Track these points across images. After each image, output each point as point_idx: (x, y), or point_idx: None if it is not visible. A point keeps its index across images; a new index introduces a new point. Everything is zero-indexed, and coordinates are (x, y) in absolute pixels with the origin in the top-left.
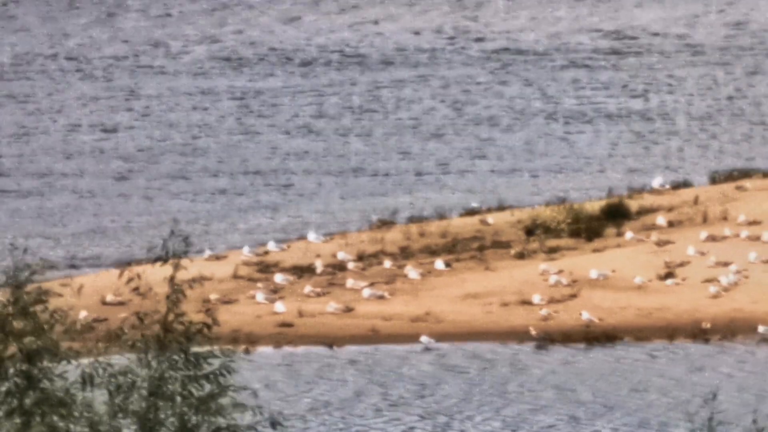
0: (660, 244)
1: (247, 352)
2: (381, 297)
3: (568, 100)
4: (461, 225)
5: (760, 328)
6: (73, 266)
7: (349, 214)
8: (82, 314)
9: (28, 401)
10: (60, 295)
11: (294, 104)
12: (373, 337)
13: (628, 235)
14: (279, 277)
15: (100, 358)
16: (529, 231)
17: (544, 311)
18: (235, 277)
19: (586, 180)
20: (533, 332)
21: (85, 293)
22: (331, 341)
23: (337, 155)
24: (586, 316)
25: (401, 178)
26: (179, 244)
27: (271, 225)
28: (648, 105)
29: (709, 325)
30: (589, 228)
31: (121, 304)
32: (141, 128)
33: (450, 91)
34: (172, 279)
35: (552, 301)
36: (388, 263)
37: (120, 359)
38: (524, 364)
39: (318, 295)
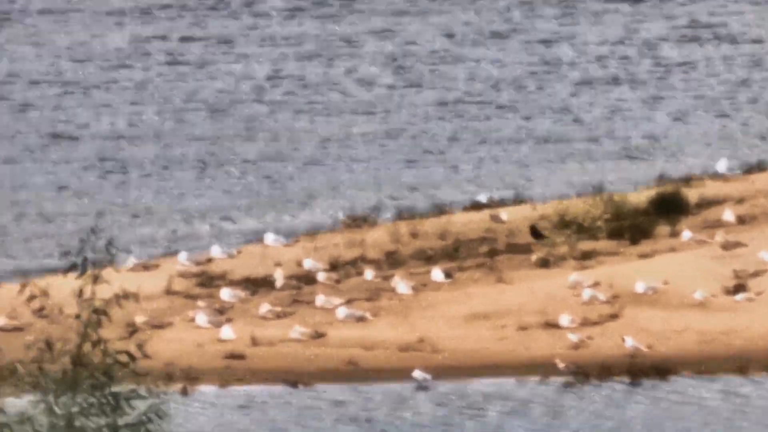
0: (727, 246)
1: (184, 392)
2: (361, 318)
3: (617, 55)
4: (466, 222)
5: None
6: None
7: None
8: None
9: None
10: None
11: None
12: (350, 371)
13: (686, 234)
14: (226, 293)
15: None
16: (534, 231)
17: (575, 336)
18: (169, 292)
19: (632, 162)
20: (561, 364)
21: None
22: (295, 377)
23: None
24: (630, 342)
25: (389, 160)
26: (102, 249)
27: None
28: (718, 63)
29: None
30: (634, 226)
31: (17, 329)
32: (65, 96)
33: (460, 39)
34: (81, 294)
35: (586, 322)
36: (369, 274)
37: (16, 402)
38: (552, 408)
39: (278, 316)
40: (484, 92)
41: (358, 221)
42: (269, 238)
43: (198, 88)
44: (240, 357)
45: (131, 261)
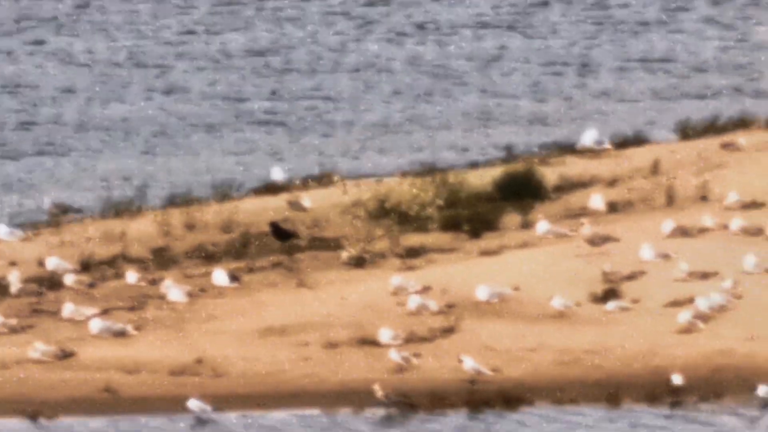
0: (595, 241)
1: None
2: (121, 333)
3: None
4: (257, 210)
5: (761, 389)
6: None
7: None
8: None
9: None
10: None
11: None
12: (107, 401)
13: (542, 226)
14: None
15: None
16: (277, 229)
17: (398, 356)
18: None
19: (472, 132)
20: (380, 392)
21: None
22: (35, 409)
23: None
24: (469, 364)
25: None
26: None
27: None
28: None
29: (679, 379)
30: (474, 215)
31: None
32: None
33: None
34: None
35: (412, 338)
36: (132, 276)
37: None
38: None
39: (13, 330)
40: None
41: (117, 208)
42: (1, 229)
43: None
44: None
45: None
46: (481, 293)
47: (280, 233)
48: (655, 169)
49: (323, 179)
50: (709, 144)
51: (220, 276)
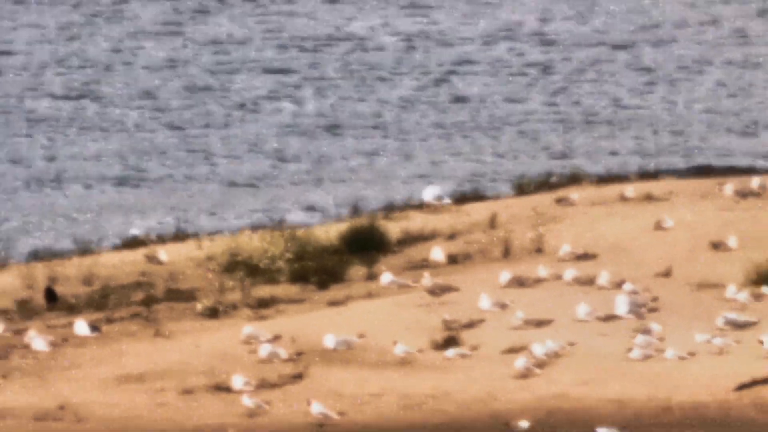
0: (436, 291)
1: None
2: None
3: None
4: (117, 264)
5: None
6: None
7: None
8: None
9: None
10: None
11: None
12: None
13: (386, 277)
14: None
15: None
16: (50, 293)
17: (250, 401)
18: None
19: (317, 189)
20: None
21: None
22: None
23: None
24: (317, 409)
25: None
26: None
27: None
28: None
29: (519, 423)
30: (322, 268)
31: None
32: None
33: None
34: None
35: (263, 385)
36: None
37: None
38: None
39: None
40: None
41: None
42: None
43: None
44: None
45: None
46: (329, 341)
47: (50, 297)
48: (492, 223)
49: (179, 234)
50: (544, 199)
51: (81, 326)
